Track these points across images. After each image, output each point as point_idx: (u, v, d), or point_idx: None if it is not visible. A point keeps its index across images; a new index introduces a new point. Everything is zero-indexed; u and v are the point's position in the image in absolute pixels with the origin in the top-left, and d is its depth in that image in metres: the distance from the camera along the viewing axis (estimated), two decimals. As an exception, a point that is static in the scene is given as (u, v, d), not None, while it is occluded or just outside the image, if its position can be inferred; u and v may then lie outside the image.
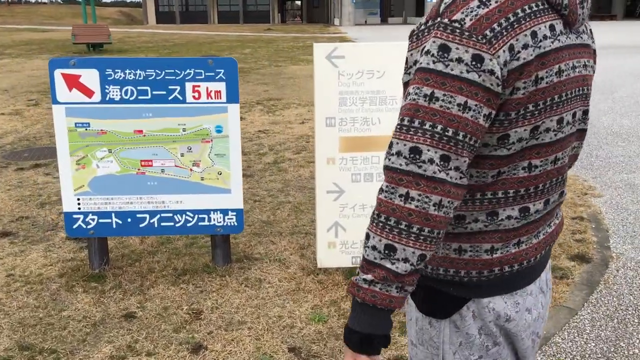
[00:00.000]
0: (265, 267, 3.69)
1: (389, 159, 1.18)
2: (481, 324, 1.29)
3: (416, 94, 1.15)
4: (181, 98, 3.35)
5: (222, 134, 3.42)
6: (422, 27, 1.23)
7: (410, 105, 1.16)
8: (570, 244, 4.07)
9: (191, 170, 3.46)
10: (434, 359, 1.33)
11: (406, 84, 1.31)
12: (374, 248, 1.17)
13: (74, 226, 3.49)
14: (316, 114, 3.44)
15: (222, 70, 3.33)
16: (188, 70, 3.31)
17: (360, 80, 3.38)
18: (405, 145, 1.15)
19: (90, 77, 3.28)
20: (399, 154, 1.16)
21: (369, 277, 1.17)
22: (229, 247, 3.68)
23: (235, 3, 52.57)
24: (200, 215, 3.52)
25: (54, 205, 4.93)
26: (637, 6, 51.95)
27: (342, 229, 3.59)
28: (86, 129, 3.35)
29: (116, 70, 3.29)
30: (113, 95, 3.32)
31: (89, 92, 3.30)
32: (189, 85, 3.34)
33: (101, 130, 3.36)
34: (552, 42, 1.16)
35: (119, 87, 3.31)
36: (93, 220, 3.48)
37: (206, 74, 3.33)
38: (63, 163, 3.39)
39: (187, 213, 3.51)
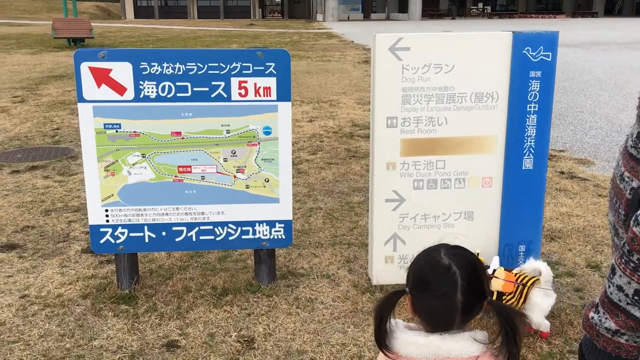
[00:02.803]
0: (314, 285, 3.30)
1: None
2: None
3: None
4: (225, 95, 2.94)
5: (271, 136, 3.02)
6: None
7: None
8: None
9: (235, 177, 3.05)
10: None
11: None
12: (620, 289, 0.97)
13: (101, 241, 3.06)
14: (375, 114, 3.06)
15: (273, 64, 2.93)
16: (234, 64, 2.91)
17: (427, 75, 3.01)
18: None
19: (122, 71, 2.85)
20: None
21: (613, 325, 0.97)
22: (274, 262, 3.29)
23: (215, -2, 51.78)
24: (244, 228, 3.12)
25: (61, 213, 4.48)
26: (616, 4, 52.56)
27: (402, 242, 3.22)
28: (117, 131, 2.93)
29: (152, 64, 2.87)
30: (148, 92, 2.90)
31: (120, 89, 2.87)
32: (234, 81, 2.93)
33: (134, 132, 2.94)
34: None
35: (155, 82, 2.89)
36: (123, 234, 3.06)
37: (254, 68, 2.93)
38: (89, 169, 2.96)
39: (230, 225, 3.11)
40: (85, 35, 19.61)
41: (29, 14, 48.81)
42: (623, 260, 0.96)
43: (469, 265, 1.43)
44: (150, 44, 21.44)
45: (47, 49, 18.72)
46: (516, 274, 2.80)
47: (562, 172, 5.42)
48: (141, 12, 49.76)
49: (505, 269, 2.83)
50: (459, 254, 1.46)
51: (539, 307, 2.69)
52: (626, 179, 1.09)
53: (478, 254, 3.02)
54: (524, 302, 2.71)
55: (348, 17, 44.81)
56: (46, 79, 11.78)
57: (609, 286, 0.99)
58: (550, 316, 2.95)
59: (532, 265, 2.77)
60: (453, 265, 1.41)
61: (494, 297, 2.77)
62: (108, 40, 22.75)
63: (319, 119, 8.01)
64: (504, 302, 2.74)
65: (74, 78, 11.74)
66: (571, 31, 24.35)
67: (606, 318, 0.97)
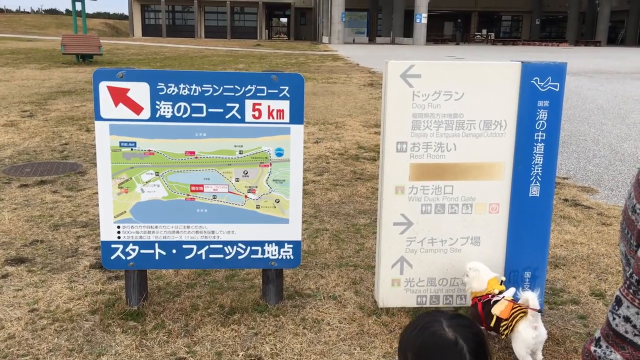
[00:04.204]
0: (321, 306, 3.33)
1: None
2: None
3: None
4: (239, 117, 3.01)
5: (283, 157, 3.07)
6: None
7: None
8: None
9: (246, 197, 3.10)
10: None
11: None
12: (627, 320, 0.96)
13: (112, 257, 3.10)
14: (386, 138, 3.12)
15: (287, 87, 2.99)
16: (249, 86, 2.97)
17: (437, 102, 3.07)
18: None
19: (139, 91, 2.92)
20: None
21: (619, 358, 0.96)
22: (282, 283, 3.32)
23: (222, 18, 52.37)
24: (253, 247, 3.16)
25: (69, 228, 4.52)
26: (619, 33, 53.04)
27: (409, 265, 3.25)
28: (132, 149, 2.98)
29: (169, 85, 2.93)
30: (164, 112, 2.96)
31: (137, 108, 2.94)
32: (249, 103, 3.00)
33: (149, 150, 2.99)
34: None
35: (171, 103, 2.95)
36: (134, 250, 3.10)
37: (269, 90, 2.99)
38: (103, 186, 3.01)
39: (239, 244, 3.15)
40: (94, 52, 19.83)
41: (37, 29, 49.35)
42: (631, 291, 0.96)
43: (475, 337, 1.33)
44: (158, 62, 21.65)
45: (56, 64, 18.92)
46: (519, 304, 2.81)
47: (566, 200, 5.46)
48: (149, 30, 50.33)
49: (511, 299, 2.85)
50: (464, 325, 1.35)
51: (521, 336, 2.70)
52: (638, 210, 1.12)
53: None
54: (512, 330, 2.74)
55: (353, 40, 45.24)
56: (55, 94, 11.90)
57: (614, 318, 0.98)
58: (555, 344, 2.98)
59: (525, 295, 2.78)
60: (460, 339, 1.29)
61: (493, 322, 2.80)
62: (116, 57, 22.99)
63: (325, 140, 8.08)
64: (501, 328, 2.76)
65: (82, 94, 11.87)
66: (574, 59, 24.55)
67: (610, 351, 0.96)
